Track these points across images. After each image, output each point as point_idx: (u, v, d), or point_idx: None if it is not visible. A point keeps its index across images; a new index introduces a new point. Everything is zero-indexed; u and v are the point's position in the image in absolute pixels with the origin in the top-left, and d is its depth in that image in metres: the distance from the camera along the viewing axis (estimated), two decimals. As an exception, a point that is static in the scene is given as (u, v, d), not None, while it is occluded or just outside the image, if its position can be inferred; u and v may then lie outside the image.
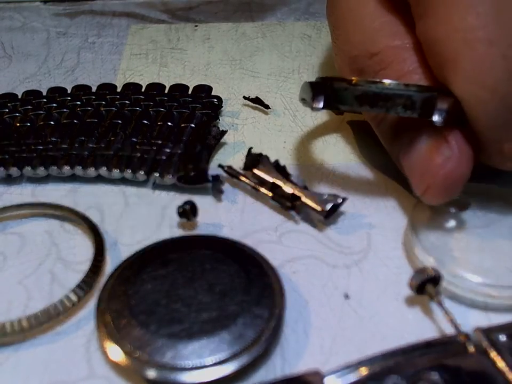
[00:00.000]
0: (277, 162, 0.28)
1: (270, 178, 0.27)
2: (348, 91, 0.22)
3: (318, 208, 0.26)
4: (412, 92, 0.22)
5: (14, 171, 0.29)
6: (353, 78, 0.23)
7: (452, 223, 0.25)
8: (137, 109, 0.32)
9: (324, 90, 0.23)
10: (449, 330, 0.21)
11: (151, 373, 0.20)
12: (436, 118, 0.22)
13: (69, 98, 0.33)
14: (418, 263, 0.24)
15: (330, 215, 0.26)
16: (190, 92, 0.34)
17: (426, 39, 0.23)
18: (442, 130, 0.23)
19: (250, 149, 0.29)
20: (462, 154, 0.23)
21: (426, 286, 0.22)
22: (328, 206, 0.26)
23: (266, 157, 0.28)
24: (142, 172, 0.28)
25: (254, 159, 0.28)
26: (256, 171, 0.28)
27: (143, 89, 0.34)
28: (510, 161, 0.24)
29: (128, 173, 0.28)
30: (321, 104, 0.23)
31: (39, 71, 0.38)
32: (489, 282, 0.22)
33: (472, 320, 0.22)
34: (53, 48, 0.40)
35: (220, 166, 0.29)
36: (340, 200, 0.26)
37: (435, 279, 0.22)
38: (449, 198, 0.24)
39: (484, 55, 0.21)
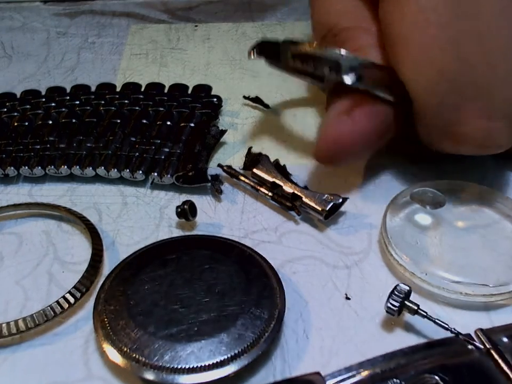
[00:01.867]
0: (277, 161, 0.28)
1: (270, 178, 0.27)
2: (287, 48, 0.25)
3: (318, 208, 0.25)
4: (339, 56, 0.24)
5: (11, 170, 0.29)
6: (297, 41, 0.25)
7: (426, 221, 0.25)
8: (137, 108, 0.32)
9: (269, 46, 0.26)
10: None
11: (149, 375, 0.20)
12: (346, 79, 0.24)
13: (68, 98, 0.33)
14: (393, 261, 0.24)
15: (331, 215, 0.26)
16: (189, 92, 0.33)
17: (384, 21, 0.24)
18: (354, 99, 0.24)
19: (250, 148, 0.29)
20: (357, 124, 0.24)
21: (404, 304, 0.21)
22: (328, 206, 0.25)
23: (266, 157, 0.28)
24: (140, 172, 0.28)
25: (254, 159, 0.28)
26: (255, 170, 0.28)
27: (142, 89, 0.34)
28: (461, 145, 0.24)
29: (126, 173, 0.28)
30: (256, 52, 0.26)
31: (38, 71, 0.38)
32: (462, 280, 0.22)
33: (473, 322, 0.22)
34: (53, 48, 0.40)
35: (220, 165, 0.29)
36: (340, 200, 0.26)
37: (408, 293, 0.21)
38: (334, 164, 0.26)
39: (433, 37, 0.22)
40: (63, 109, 0.32)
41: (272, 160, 0.28)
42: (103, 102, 0.32)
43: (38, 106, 0.32)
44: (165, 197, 0.28)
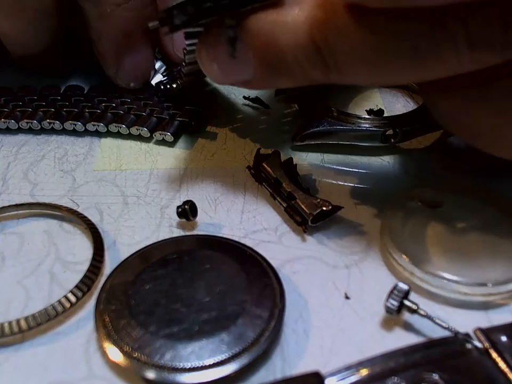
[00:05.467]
0: (288, 160, 0.28)
1: (273, 174, 0.27)
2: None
3: (307, 211, 0.25)
4: None
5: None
6: None
7: (425, 221, 0.25)
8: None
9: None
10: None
11: (150, 374, 0.20)
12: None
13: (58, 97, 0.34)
14: (392, 260, 0.24)
15: (319, 220, 0.26)
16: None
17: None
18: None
19: (258, 149, 0.29)
20: None
21: (403, 303, 0.21)
22: (316, 211, 0.25)
23: (278, 153, 0.28)
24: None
25: (262, 160, 0.28)
26: (264, 164, 0.28)
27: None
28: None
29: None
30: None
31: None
32: (461, 279, 0.22)
33: (472, 321, 0.22)
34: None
35: (248, 167, 0.29)
36: (329, 207, 0.25)
37: (407, 293, 0.22)
38: None
39: None
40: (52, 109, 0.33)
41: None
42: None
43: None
44: (166, 196, 0.28)
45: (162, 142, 0.31)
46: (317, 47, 0.20)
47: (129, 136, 0.32)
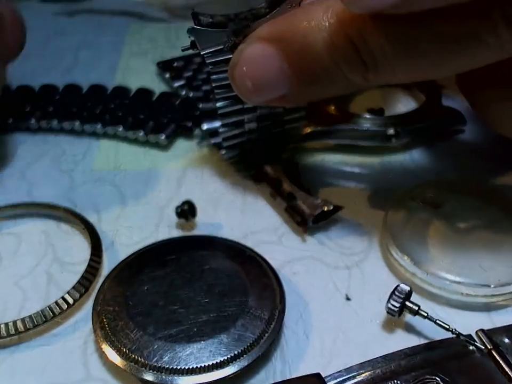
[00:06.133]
0: (288, 160, 0.28)
1: (274, 175, 0.27)
2: None
3: (307, 211, 0.25)
4: None
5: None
6: None
7: (426, 221, 0.25)
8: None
9: None
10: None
11: (148, 376, 0.20)
12: None
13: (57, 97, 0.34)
14: (393, 261, 0.24)
15: (320, 220, 0.25)
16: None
17: None
18: None
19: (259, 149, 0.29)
20: None
21: (405, 305, 0.21)
22: (317, 212, 0.25)
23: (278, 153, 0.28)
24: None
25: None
26: (265, 165, 0.28)
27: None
28: None
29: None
30: None
31: (37, 70, 0.38)
32: (463, 280, 0.22)
33: (474, 322, 0.22)
34: (51, 47, 0.40)
35: (248, 167, 0.29)
36: (331, 207, 0.25)
37: (409, 294, 0.21)
38: None
39: None
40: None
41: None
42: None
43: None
44: (165, 197, 0.28)
45: (160, 144, 0.31)
46: (354, 46, 0.20)
47: (126, 139, 0.32)
